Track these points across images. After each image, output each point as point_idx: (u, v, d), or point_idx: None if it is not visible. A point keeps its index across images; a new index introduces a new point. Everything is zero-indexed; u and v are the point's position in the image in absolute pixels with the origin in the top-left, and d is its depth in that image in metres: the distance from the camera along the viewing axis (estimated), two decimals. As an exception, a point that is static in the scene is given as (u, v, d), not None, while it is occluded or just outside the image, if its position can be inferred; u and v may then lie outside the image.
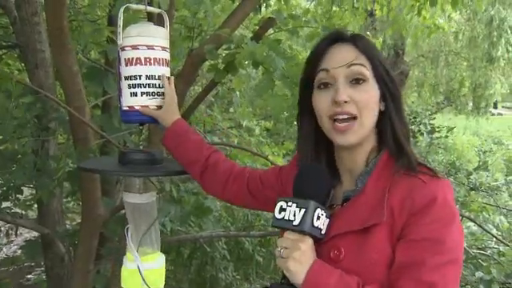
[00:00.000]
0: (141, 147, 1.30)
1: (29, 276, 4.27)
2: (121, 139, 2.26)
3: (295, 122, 1.05)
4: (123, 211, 2.08)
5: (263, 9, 2.86)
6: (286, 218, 0.85)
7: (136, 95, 1.11)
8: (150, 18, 1.55)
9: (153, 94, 1.12)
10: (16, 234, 4.55)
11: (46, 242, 2.71)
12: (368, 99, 0.89)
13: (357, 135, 0.89)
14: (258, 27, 1.83)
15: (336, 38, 0.93)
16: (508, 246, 2.59)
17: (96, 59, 3.10)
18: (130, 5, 1.17)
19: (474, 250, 2.70)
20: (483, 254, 2.71)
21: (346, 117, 0.88)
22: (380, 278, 0.82)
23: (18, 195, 2.51)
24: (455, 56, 8.93)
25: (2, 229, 4.46)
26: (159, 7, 1.33)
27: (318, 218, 0.85)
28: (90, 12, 2.92)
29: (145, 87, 1.11)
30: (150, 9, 1.19)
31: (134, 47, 1.09)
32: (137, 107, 1.12)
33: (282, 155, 3.61)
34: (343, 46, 0.92)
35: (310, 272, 0.81)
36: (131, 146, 2.22)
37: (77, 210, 4.05)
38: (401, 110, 0.93)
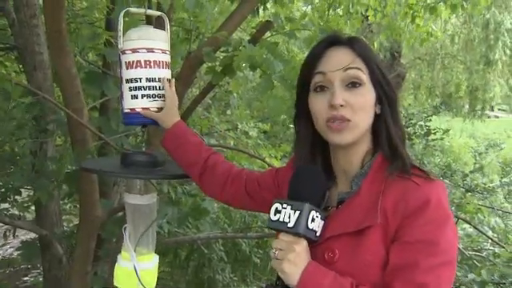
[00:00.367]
0: (143, 149, 1.31)
1: (25, 278, 4.24)
2: (119, 141, 2.26)
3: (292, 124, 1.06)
4: (121, 213, 2.09)
5: (261, 12, 2.87)
6: (281, 219, 0.86)
7: (137, 98, 1.13)
8: (149, 20, 1.56)
9: (153, 96, 1.13)
10: (14, 236, 4.53)
11: (44, 244, 2.70)
12: (364, 103, 0.89)
13: (352, 134, 0.89)
14: (255, 30, 1.83)
15: (333, 40, 0.94)
16: (503, 247, 2.60)
17: (94, 61, 3.10)
18: (130, 8, 1.18)
19: (470, 252, 2.71)
20: (479, 255, 2.72)
21: (340, 120, 0.88)
22: (374, 279, 0.83)
23: (16, 197, 2.51)
24: (452, 59, 8.94)
25: (0, 230, 4.44)
26: (158, 9, 1.34)
27: (313, 220, 0.85)
28: (88, 14, 2.93)
29: (145, 90, 1.12)
30: (149, 12, 1.21)
31: (134, 50, 1.11)
32: (138, 109, 1.13)
33: (279, 157, 3.62)
34: (340, 49, 0.92)
35: (305, 273, 0.82)
36: (129, 148, 2.23)
37: (74, 212, 4.04)
38: (396, 113, 0.93)
